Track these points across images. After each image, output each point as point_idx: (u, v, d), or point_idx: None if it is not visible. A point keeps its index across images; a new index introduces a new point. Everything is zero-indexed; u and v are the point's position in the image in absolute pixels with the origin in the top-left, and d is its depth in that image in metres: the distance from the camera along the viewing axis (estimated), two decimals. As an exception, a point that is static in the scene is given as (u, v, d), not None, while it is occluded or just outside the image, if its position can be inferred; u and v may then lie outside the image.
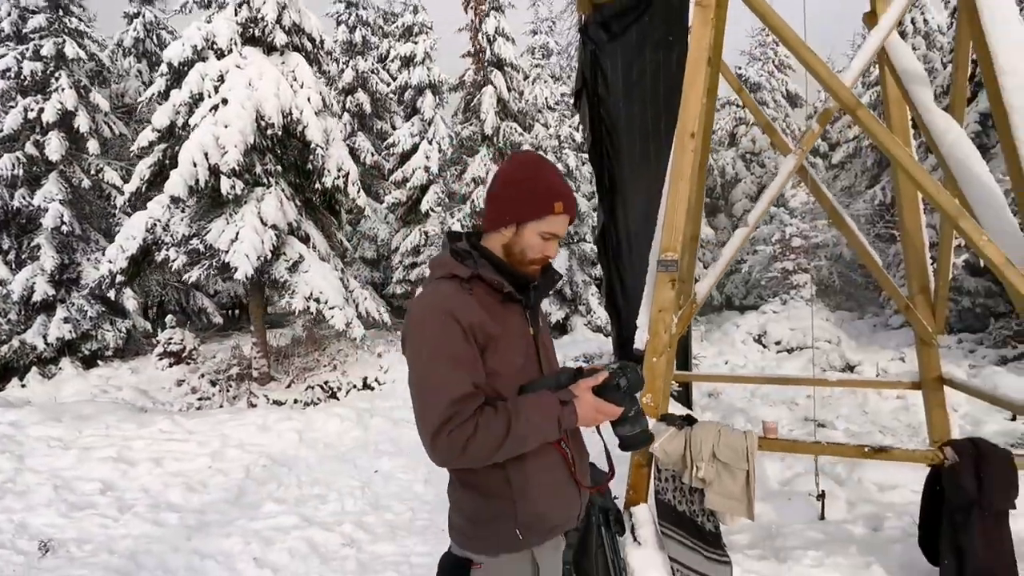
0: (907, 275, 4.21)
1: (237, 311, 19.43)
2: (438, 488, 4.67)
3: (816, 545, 3.14)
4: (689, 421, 3.01)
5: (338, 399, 8.29)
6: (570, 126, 14.16)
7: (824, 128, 3.66)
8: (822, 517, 3.61)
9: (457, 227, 13.20)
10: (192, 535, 3.81)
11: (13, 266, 11.23)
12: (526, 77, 15.12)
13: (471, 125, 14.42)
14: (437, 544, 3.61)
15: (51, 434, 6.21)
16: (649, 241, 3.68)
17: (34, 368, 10.54)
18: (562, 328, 13.27)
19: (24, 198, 11.16)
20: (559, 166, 12.17)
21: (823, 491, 3.68)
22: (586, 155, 12.89)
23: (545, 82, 14.98)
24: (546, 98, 14.61)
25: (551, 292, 1.51)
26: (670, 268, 3.11)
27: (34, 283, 10.71)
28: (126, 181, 12.41)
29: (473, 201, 13.49)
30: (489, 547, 1.30)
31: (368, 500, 4.43)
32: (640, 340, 3.21)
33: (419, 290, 1.37)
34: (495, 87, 13.70)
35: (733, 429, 2.88)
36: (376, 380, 8.70)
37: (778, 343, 10.40)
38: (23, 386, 10.26)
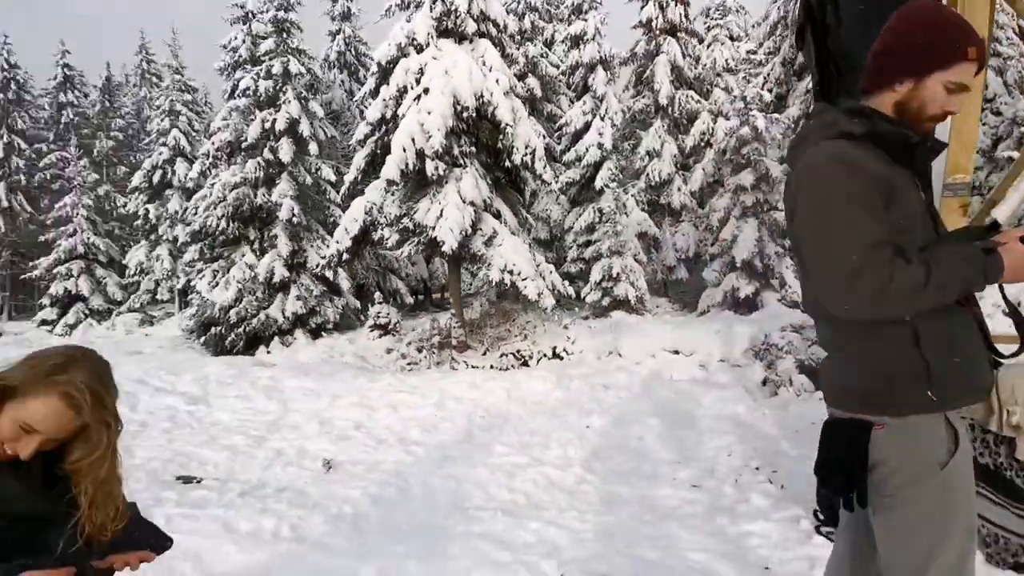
0: None
1: (421, 296, 21.29)
2: (660, 443, 4.67)
3: None
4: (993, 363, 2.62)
5: (529, 367, 8.66)
6: (755, 86, 13.13)
7: None
8: None
9: (632, 203, 13.01)
10: (441, 464, 4.26)
11: (258, 253, 13.45)
12: (701, 41, 14.33)
13: (643, 97, 14.05)
14: (676, 489, 3.61)
15: (304, 385, 7.34)
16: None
17: (276, 337, 12.55)
18: (751, 304, 12.44)
19: (264, 196, 13.27)
20: (744, 130, 11.37)
21: None
22: (777, 116, 11.87)
23: (723, 44, 14.05)
24: (726, 60, 13.70)
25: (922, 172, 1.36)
26: (960, 192, 2.73)
27: (274, 267, 12.70)
28: (338, 176, 14.20)
29: (648, 175, 13.16)
30: (893, 406, 1.22)
31: (588, 450, 4.57)
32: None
33: (811, 151, 1.26)
34: (668, 55, 13.18)
35: (1056, 371, 2.45)
36: (564, 350, 8.93)
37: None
38: (268, 352, 12.29)
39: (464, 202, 8.08)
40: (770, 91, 12.87)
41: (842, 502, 1.26)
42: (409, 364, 9.55)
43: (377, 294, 12.27)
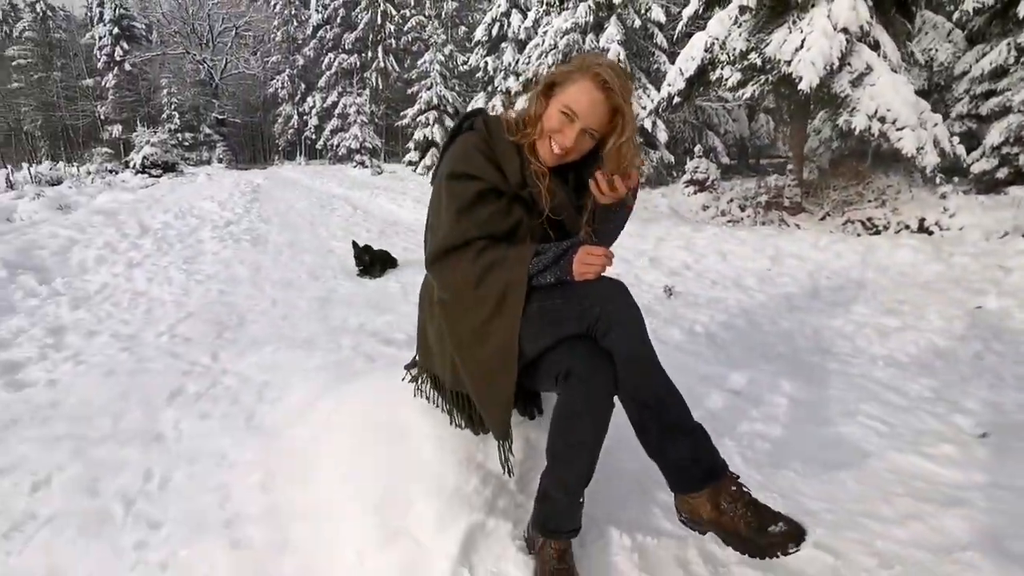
0: None
1: (735, 159, 19.55)
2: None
3: None
4: None
5: (882, 237, 7.28)
6: None
7: None
8: None
9: (1086, 31, 9.14)
10: (789, 310, 3.94)
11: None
12: None
13: None
14: None
15: (627, 228, 7.52)
16: None
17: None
18: None
19: (592, 41, 13.21)
20: None
21: None
22: None
23: None
24: None
25: None
26: None
27: (595, 116, 12.93)
28: (668, 18, 13.21)
29: None
30: None
31: (984, 328, 3.66)
32: None
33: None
34: None
35: None
36: (937, 224, 7.20)
37: None
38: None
39: (835, 28, 6.64)
40: None
41: None
42: (730, 221, 9.00)
43: (698, 147, 11.58)
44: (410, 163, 23.38)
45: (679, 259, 5.78)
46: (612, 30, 12.70)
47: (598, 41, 12.87)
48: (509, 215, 1.40)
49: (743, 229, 7.48)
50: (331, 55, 34.00)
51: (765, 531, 1.15)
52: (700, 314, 3.74)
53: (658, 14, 12.76)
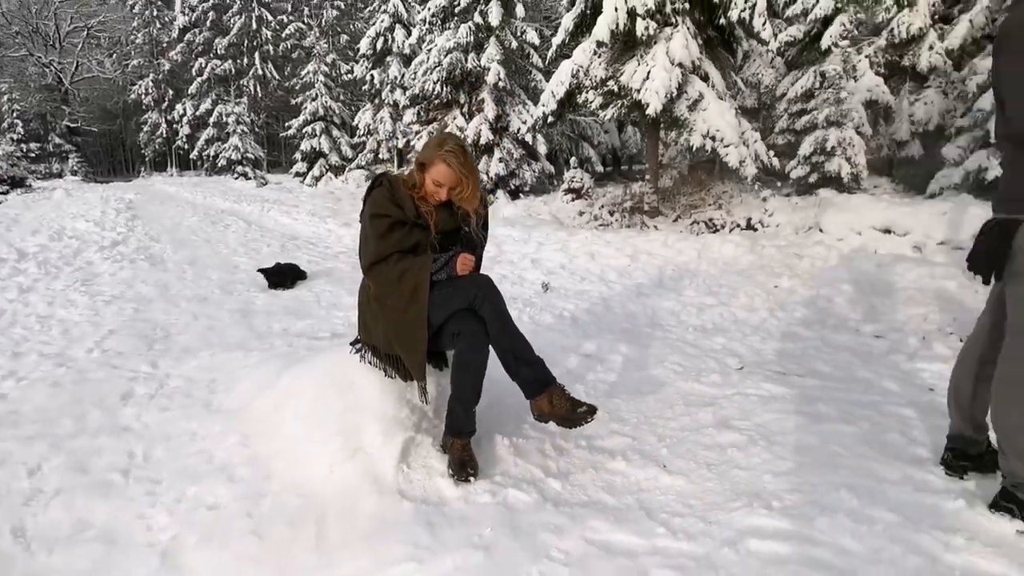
0: None
1: (609, 167, 21.45)
2: (849, 305, 4.88)
3: None
4: None
5: (719, 234, 8.81)
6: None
7: None
8: None
9: (864, 64, 11.45)
10: (637, 296, 5.02)
11: (467, 117, 14.67)
12: None
13: (903, -70, 11.58)
14: (857, 336, 3.94)
15: (512, 234, 8.48)
16: None
17: (481, 195, 14.02)
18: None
19: (473, 61, 14.14)
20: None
21: None
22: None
23: None
24: None
25: None
26: None
27: (481, 130, 13.83)
28: (542, 40, 14.45)
29: (892, 30, 11.29)
30: None
31: (774, 302, 4.94)
32: None
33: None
34: None
35: None
36: (760, 222, 8.86)
37: None
38: (475, 208, 13.89)
39: (672, 63, 8.03)
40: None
41: (981, 279, 1.68)
42: (601, 225, 10.26)
43: (573, 159, 12.87)
44: (298, 174, 23.02)
45: (556, 260, 6.78)
46: (492, 50, 13.71)
47: (479, 60, 13.83)
48: (412, 236, 2.18)
49: (611, 232, 8.70)
50: (202, 60, 32.29)
51: (576, 411, 2.02)
52: (568, 303, 4.69)
53: (532, 37, 13.97)
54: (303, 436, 2.18)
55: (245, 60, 31.85)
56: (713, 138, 8.18)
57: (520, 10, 13.55)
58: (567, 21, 9.84)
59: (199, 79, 32.31)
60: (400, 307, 2.11)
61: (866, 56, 11.34)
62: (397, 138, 19.09)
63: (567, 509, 1.93)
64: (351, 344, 2.34)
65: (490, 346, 2.10)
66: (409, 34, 18.26)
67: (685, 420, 2.55)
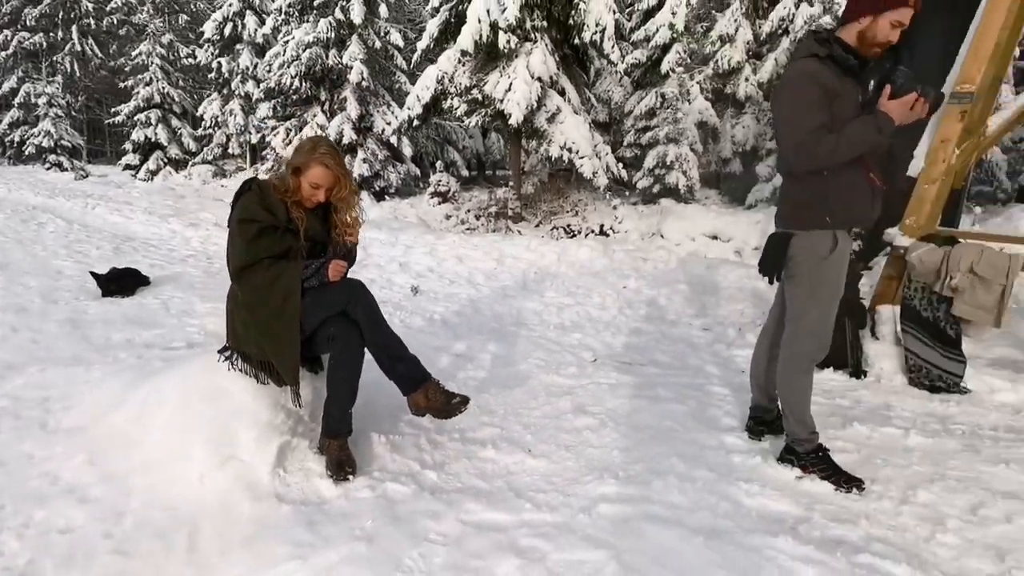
0: None
1: (475, 172, 21.93)
2: (684, 303, 5.58)
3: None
4: (951, 243, 3.33)
5: (576, 239, 9.50)
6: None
7: None
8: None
9: (696, 90, 12.94)
10: (504, 298, 5.31)
11: (328, 115, 14.18)
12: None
13: (724, -25, 13.32)
14: (689, 329, 4.56)
15: (378, 237, 8.42)
16: (939, 86, 3.71)
17: (344, 197, 13.62)
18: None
19: (335, 58, 13.71)
20: (826, 19, 11.01)
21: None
22: None
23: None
24: (820, -63, 12.70)
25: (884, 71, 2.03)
26: (963, 100, 3.26)
27: (343, 129, 13.45)
28: (406, 42, 14.40)
29: (716, 62, 12.90)
30: (804, 225, 2.07)
31: (623, 300, 5.52)
32: (914, 168, 3.49)
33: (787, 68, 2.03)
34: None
35: (998, 250, 3.15)
36: (611, 228, 9.70)
37: (1076, 235, 8.86)
38: (338, 209, 13.46)
39: (532, 77, 8.51)
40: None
41: (768, 280, 2.15)
42: (467, 229, 10.53)
43: (439, 163, 13.02)
44: (128, 167, 20.51)
45: (424, 263, 6.89)
46: (355, 48, 13.40)
47: (341, 58, 13.44)
48: (283, 241, 2.20)
49: (477, 236, 8.99)
50: (7, 32, 27.49)
51: (451, 403, 2.18)
52: (438, 306, 4.85)
53: (396, 38, 13.88)
54: (170, 448, 2.09)
55: (60, 33, 27.68)
56: (570, 149, 8.80)
57: (384, 10, 13.41)
58: (432, 27, 9.97)
59: (3, 53, 27.47)
60: (272, 313, 2.11)
61: (697, 83, 12.84)
62: (250, 133, 17.84)
63: (443, 496, 2.09)
64: (219, 352, 2.28)
65: (364, 348, 2.18)
66: (263, 22, 17.17)
67: (547, 409, 2.84)
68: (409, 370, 2.20)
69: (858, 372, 3.47)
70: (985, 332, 3.33)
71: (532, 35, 8.77)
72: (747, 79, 13.14)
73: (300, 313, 2.13)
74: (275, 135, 14.65)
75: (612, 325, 4.61)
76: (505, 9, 8.18)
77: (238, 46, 18.26)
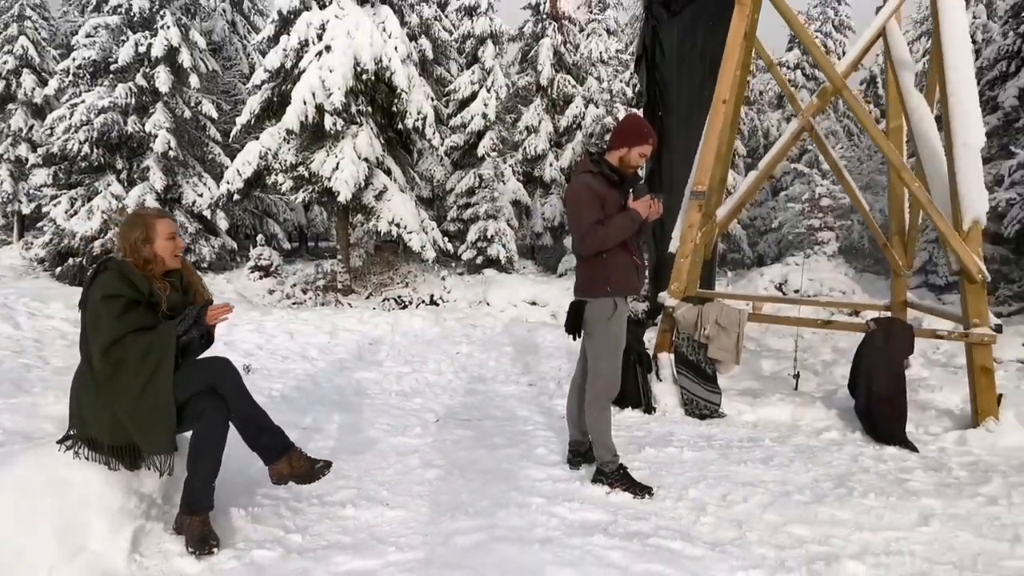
0: (889, 220, 5.41)
1: (296, 244, 21.29)
2: (511, 363, 6.20)
3: (785, 396, 4.54)
4: (702, 302, 4.39)
5: (408, 310, 9.85)
6: (621, 81, 15.02)
7: (826, 102, 4.81)
8: (796, 388, 4.99)
9: (509, 172, 14.46)
10: (341, 371, 5.42)
11: (126, 184, 12.96)
12: (582, 30, 15.92)
13: (527, 75, 15.39)
14: (517, 386, 5.14)
15: (197, 314, 7.91)
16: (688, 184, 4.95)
17: (148, 272, 12.37)
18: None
19: (136, 125, 12.76)
20: (608, 119, 13.27)
21: (798, 372, 5.04)
22: (634, 109, 13.85)
23: (600, 36, 15.74)
24: (600, 52, 15.41)
25: (635, 184, 2.83)
26: (699, 197, 4.42)
27: (144, 200, 12.40)
28: (220, 113, 13.93)
29: (525, 148, 14.60)
30: (593, 294, 2.75)
31: (457, 365, 5.97)
32: (673, 247, 4.56)
33: (571, 180, 2.77)
34: (552, 39, 14.60)
35: (733, 307, 4.25)
36: (441, 298, 10.25)
37: (796, 291, 11.57)
38: (139, 286, 12.13)
39: (359, 157, 8.94)
40: (633, 87, 14.79)
41: (572, 337, 2.79)
42: (294, 303, 10.29)
43: (260, 236, 12.58)
44: None
45: (252, 341, 6.66)
46: (160, 116, 12.62)
47: (143, 126, 12.56)
48: (148, 315, 2.26)
49: (306, 310, 8.87)
50: None
51: (314, 468, 2.37)
52: (275, 383, 4.82)
53: (209, 109, 13.40)
54: (14, 548, 1.95)
55: None
56: (398, 225, 9.28)
57: (195, 80, 12.92)
58: (253, 103, 9.97)
59: None
60: (143, 384, 2.12)
61: (510, 166, 14.38)
62: (21, 202, 15.41)
63: (311, 554, 2.23)
64: (59, 442, 2.19)
65: (229, 421, 2.29)
66: (44, 83, 15.36)
67: (399, 467, 3.10)
68: (273, 440, 2.35)
69: (649, 408, 4.30)
70: (731, 369, 4.40)
71: (358, 119, 9.28)
72: (551, 164, 15.08)
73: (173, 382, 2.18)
74: (54, 205, 12.92)
75: (449, 388, 5.01)
76: (331, 94, 8.60)
77: (10, 105, 15.98)
